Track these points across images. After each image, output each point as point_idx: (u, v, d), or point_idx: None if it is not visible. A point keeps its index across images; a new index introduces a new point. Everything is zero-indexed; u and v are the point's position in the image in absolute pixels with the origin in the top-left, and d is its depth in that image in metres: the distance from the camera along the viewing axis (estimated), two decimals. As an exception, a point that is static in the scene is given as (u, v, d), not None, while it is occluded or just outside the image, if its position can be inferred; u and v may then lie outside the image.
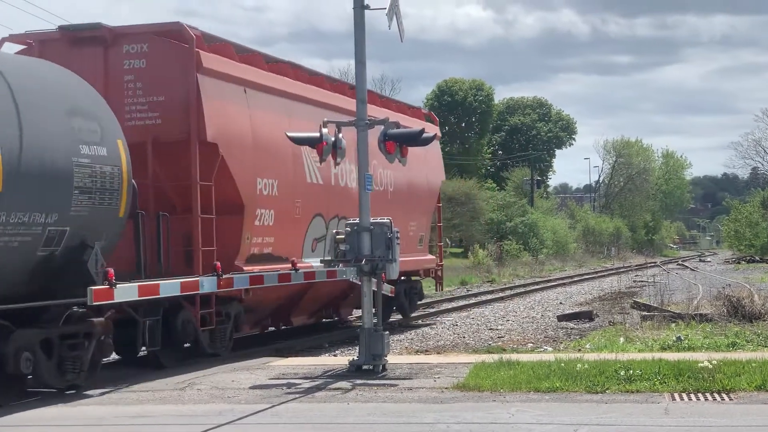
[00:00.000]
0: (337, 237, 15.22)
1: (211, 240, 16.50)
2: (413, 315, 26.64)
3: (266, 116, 18.21)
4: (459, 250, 78.99)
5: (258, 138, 17.79)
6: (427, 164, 26.23)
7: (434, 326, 25.28)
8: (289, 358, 17.45)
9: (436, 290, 29.84)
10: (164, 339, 15.67)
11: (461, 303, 33.30)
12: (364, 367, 14.78)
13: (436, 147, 26.96)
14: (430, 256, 26.81)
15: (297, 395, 12.81)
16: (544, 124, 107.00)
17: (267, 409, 11.84)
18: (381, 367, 14.71)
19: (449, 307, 31.56)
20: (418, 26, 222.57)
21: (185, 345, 16.72)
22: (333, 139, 15.14)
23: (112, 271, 13.49)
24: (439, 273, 27.46)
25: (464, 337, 22.61)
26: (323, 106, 20.41)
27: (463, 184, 70.02)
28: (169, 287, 15.11)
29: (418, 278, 26.29)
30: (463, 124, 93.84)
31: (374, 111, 20.68)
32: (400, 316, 25.90)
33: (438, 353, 18.34)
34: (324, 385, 13.54)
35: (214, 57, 16.83)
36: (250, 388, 13.52)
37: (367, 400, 12.35)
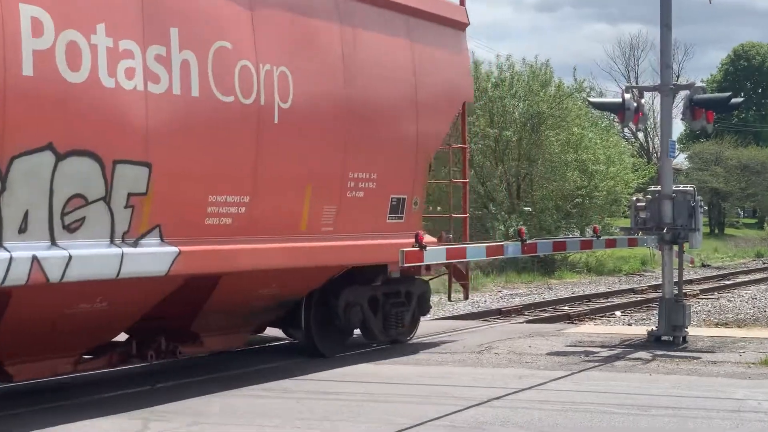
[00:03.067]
0: (638, 204, 14.93)
1: None
2: (413, 341, 14.64)
3: None
4: (753, 221, 75.86)
5: None
6: (422, 64, 13.58)
7: (731, 299, 24.44)
8: (583, 326, 17.33)
9: (450, 299, 16.63)
10: None
11: (759, 276, 32.01)
12: (663, 338, 14.43)
13: (454, 37, 14.53)
14: (429, 239, 13.21)
15: (596, 363, 12.67)
16: None
17: (567, 376, 11.79)
18: (681, 339, 14.33)
19: (746, 279, 30.47)
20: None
21: None
22: (635, 104, 14.77)
23: None
24: (460, 268, 15.03)
25: (765, 311, 21.75)
26: None
27: (760, 153, 67.11)
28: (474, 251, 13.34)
29: (418, 278, 14.53)
30: (760, 90, 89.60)
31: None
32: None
33: (738, 327, 17.74)
34: (623, 355, 13.33)
35: None
36: (548, 354, 13.51)
37: (670, 372, 12.05)
